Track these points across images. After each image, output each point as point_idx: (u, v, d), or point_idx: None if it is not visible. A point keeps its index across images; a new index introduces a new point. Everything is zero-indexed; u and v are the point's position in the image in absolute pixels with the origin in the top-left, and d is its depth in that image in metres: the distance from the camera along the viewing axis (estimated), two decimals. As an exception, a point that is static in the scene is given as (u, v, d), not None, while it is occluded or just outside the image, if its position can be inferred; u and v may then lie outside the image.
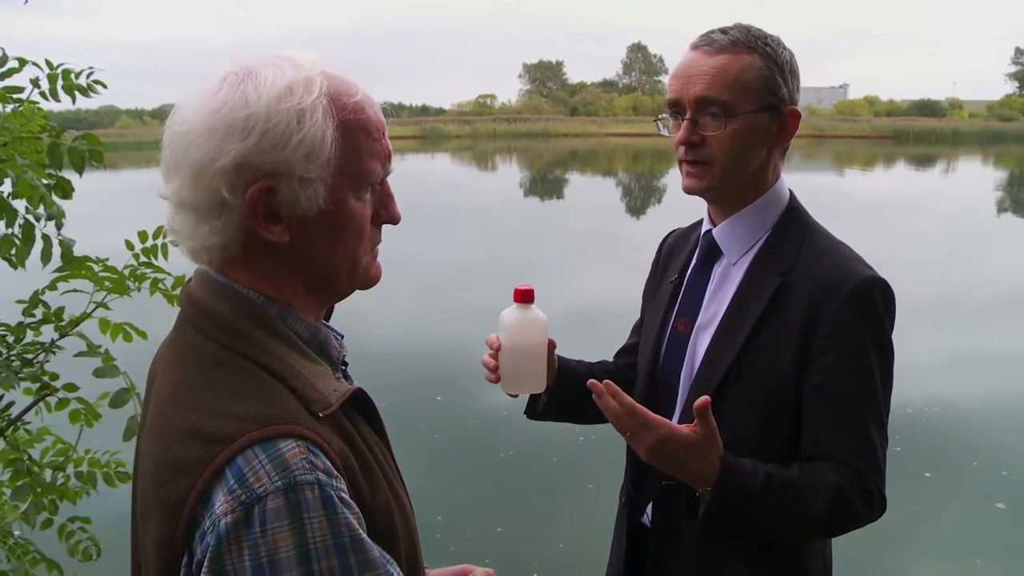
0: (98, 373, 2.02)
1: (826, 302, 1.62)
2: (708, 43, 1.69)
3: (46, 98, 2.11)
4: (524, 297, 1.72)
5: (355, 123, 1.10)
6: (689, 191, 1.77)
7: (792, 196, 1.81)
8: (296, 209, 1.08)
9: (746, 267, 1.76)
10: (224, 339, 1.08)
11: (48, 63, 2.10)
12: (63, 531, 2.34)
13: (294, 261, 1.12)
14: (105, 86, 2.18)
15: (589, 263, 14.11)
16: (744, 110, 1.66)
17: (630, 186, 33.38)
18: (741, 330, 1.69)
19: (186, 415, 1.02)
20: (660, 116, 1.81)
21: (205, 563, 0.93)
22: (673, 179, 36.22)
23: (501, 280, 12.15)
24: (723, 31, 1.70)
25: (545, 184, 33.73)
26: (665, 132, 1.80)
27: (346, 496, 0.99)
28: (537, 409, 2.04)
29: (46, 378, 2.10)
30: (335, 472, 0.99)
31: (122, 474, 2.38)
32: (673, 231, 2.12)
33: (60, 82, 2.10)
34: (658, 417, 1.53)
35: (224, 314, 1.09)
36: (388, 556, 1.01)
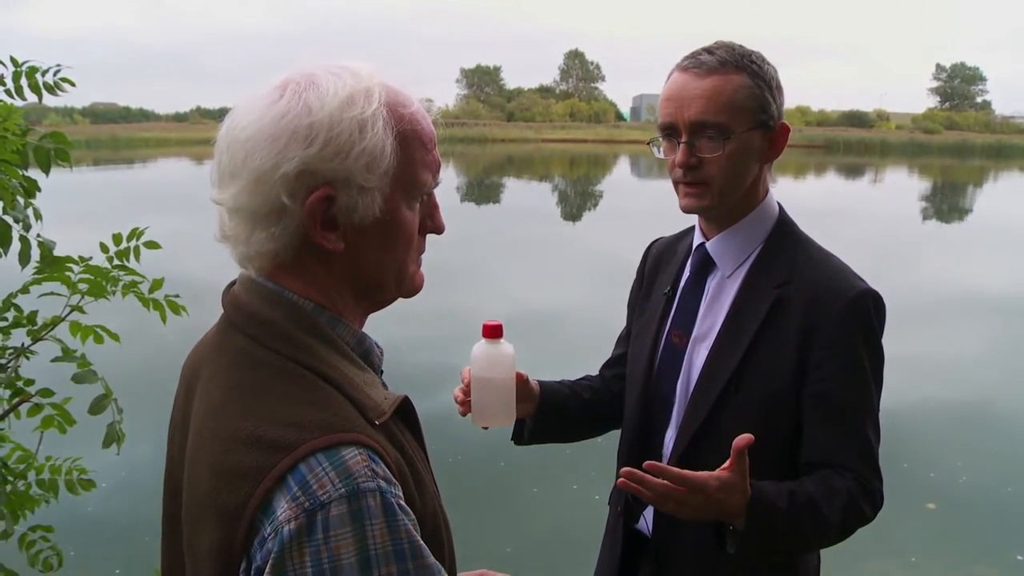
0: (76, 379, 1.97)
1: (823, 314, 1.67)
2: (697, 65, 1.71)
3: (11, 96, 2.07)
4: (492, 332, 1.74)
5: (411, 134, 1.12)
6: (688, 210, 1.80)
7: (781, 209, 1.86)
8: (353, 217, 1.09)
9: (741, 280, 1.79)
10: (277, 346, 1.08)
11: (13, 60, 2.06)
12: (24, 540, 2.29)
13: (345, 269, 1.13)
14: (73, 84, 2.14)
15: (525, 268, 14.17)
16: (739, 130, 1.69)
17: (566, 191, 33.56)
18: (740, 342, 1.73)
19: (244, 422, 1.02)
20: (652, 139, 1.83)
21: (267, 570, 0.93)
22: (608, 185, 36.62)
23: (438, 285, 12.07)
24: (709, 51, 1.73)
25: (482, 189, 33.71)
26: (659, 154, 1.82)
27: (403, 503, 1.00)
28: (524, 434, 2.06)
29: (20, 383, 2.05)
30: (393, 479, 1.00)
31: (85, 482, 2.33)
32: (657, 240, 2.14)
33: (25, 80, 2.06)
34: (703, 475, 1.51)
35: (276, 321, 1.10)
36: (438, 563, 1.02)
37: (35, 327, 2.06)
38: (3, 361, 2.03)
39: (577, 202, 29.18)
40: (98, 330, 2.12)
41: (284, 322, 1.10)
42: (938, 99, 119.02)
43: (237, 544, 0.97)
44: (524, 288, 12.05)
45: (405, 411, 1.15)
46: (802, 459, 1.70)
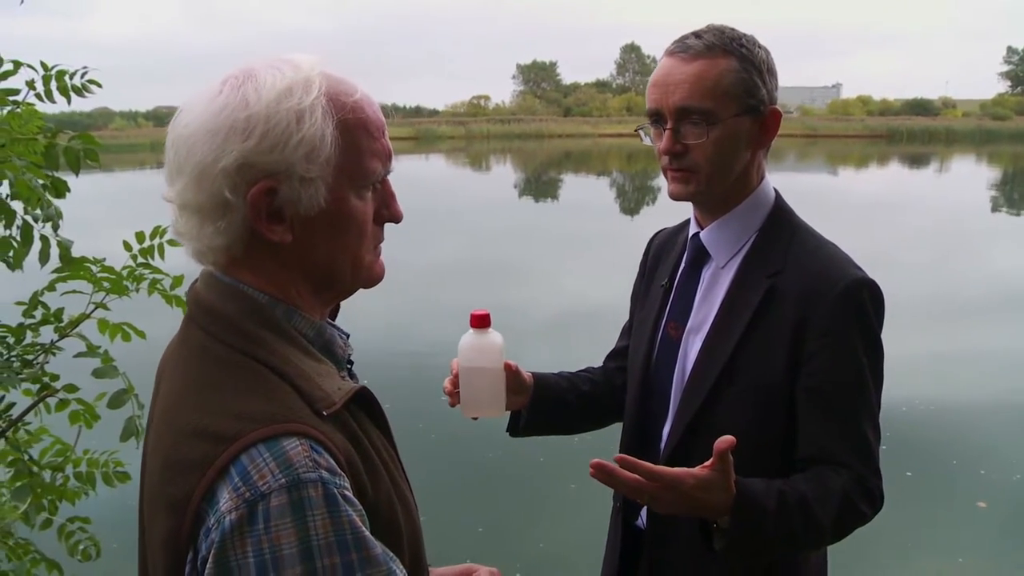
0: (97, 374, 2.03)
1: (816, 304, 1.63)
2: (683, 49, 1.68)
3: (42, 100, 2.12)
4: (479, 322, 1.73)
5: (354, 122, 1.12)
6: (676, 197, 1.77)
7: (778, 196, 1.81)
8: (298, 208, 1.09)
9: (735, 270, 1.76)
10: (230, 339, 1.09)
11: (43, 65, 2.10)
12: (63, 531, 2.35)
13: (298, 260, 1.13)
14: (100, 85, 2.18)
15: (583, 263, 14.10)
16: (725, 116, 1.66)
17: (624, 186, 33.39)
18: (732, 333, 1.70)
19: (192, 414, 1.03)
20: (641, 126, 1.81)
21: (210, 559, 0.94)
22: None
23: (497, 281, 12.21)
24: (697, 35, 1.69)
25: (539, 185, 33.72)
26: (647, 141, 1.79)
27: (349, 494, 1.00)
28: (519, 426, 2.04)
29: (46, 379, 2.11)
30: (338, 470, 1.00)
31: (121, 474, 2.39)
32: (660, 231, 2.11)
33: (55, 83, 2.11)
34: (678, 471, 1.48)
35: (230, 314, 1.11)
36: (391, 553, 1.03)
37: (61, 324, 2.12)
38: (30, 357, 2.09)
39: (635, 196, 28.98)
40: (125, 328, 2.17)
41: (238, 316, 1.10)
42: (1009, 83, 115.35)
43: (184, 535, 0.98)
44: (582, 283, 12.01)
45: (366, 402, 1.15)
46: (797, 455, 1.66)
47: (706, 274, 1.82)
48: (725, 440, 1.45)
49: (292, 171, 1.07)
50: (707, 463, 1.47)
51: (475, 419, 1.85)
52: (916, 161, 46.18)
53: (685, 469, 1.48)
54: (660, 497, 1.48)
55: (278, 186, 1.07)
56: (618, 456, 1.48)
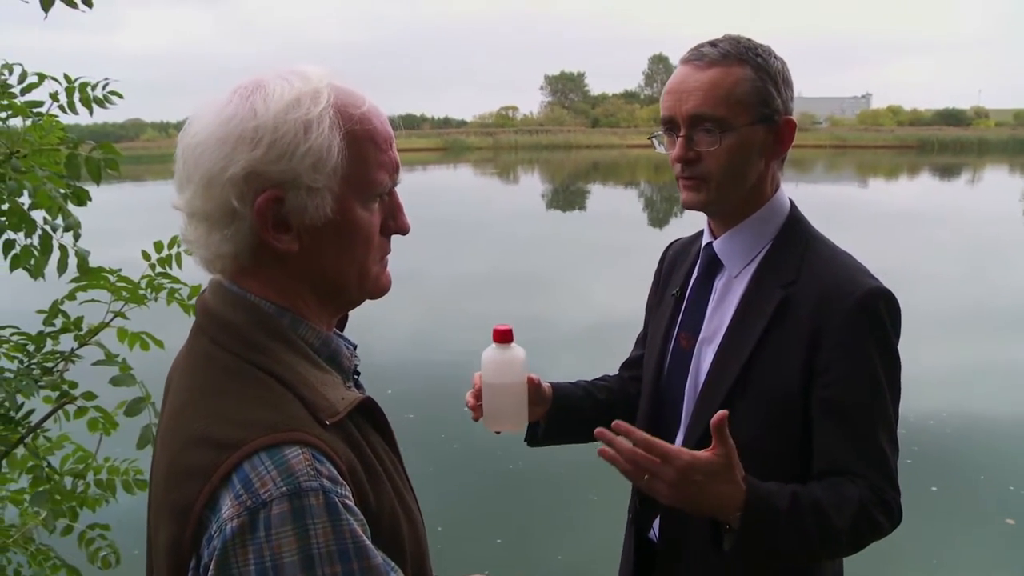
0: (115, 382, 2.05)
1: (830, 314, 1.60)
2: (698, 57, 1.67)
3: (65, 111, 2.15)
4: (502, 337, 1.74)
5: (362, 133, 1.12)
6: (688, 206, 1.75)
7: (793, 206, 1.79)
8: (304, 218, 1.10)
9: (748, 280, 1.74)
10: (236, 348, 1.10)
11: (67, 77, 2.13)
12: (83, 538, 2.38)
13: (304, 270, 1.14)
14: (121, 96, 2.22)
15: (611, 274, 14.06)
16: (738, 124, 1.64)
17: (652, 197, 33.29)
18: (745, 344, 1.67)
19: (197, 421, 1.04)
20: (654, 133, 1.80)
21: (211, 567, 0.95)
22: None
23: (525, 291, 12.19)
24: (713, 44, 1.68)
25: (567, 196, 33.73)
26: (661, 149, 1.78)
27: (351, 503, 1.00)
28: (538, 435, 2.03)
29: (65, 387, 2.14)
30: (340, 479, 1.00)
31: (141, 482, 2.41)
32: (675, 241, 2.10)
33: (77, 95, 2.14)
34: (676, 447, 1.48)
35: (237, 323, 1.11)
36: (392, 563, 1.03)
37: (81, 332, 2.15)
38: (50, 364, 2.11)
39: (663, 207, 28.87)
40: (144, 337, 2.20)
41: (244, 325, 1.11)
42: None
43: (186, 541, 0.99)
44: (609, 293, 11.97)
45: (370, 412, 1.15)
46: (812, 466, 1.63)
47: (719, 284, 1.80)
48: (718, 415, 1.44)
49: (299, 181, 1.07)
50: (709, 448, 1.47)
51: (498, 433, 1.85)
52: (947, 172, 45.59)
53: (682, 448, 1.48)
54: (662, 474, 1.47)
55: (284, 195, 1.08)
56: (616, 423, 1.48)
